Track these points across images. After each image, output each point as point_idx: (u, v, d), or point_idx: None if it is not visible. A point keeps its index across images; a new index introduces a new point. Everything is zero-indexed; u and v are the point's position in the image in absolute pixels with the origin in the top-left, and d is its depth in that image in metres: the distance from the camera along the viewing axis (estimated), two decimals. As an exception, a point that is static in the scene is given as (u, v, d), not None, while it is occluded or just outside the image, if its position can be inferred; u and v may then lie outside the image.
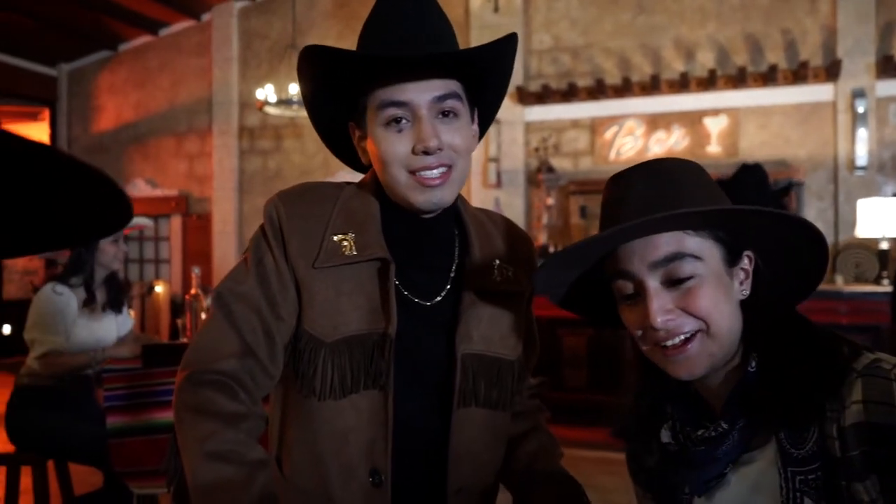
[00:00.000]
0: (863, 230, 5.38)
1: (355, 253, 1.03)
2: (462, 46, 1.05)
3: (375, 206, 1.09)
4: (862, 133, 6.07)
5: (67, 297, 2.73)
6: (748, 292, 0.90)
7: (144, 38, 8.80)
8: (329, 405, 1.01)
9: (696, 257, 0.85)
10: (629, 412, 0.97)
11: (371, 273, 1.05)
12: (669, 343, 0.85)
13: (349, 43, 5.65)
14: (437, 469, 1.05)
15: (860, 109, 6.06)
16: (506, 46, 1.05)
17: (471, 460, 1.07)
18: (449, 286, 1.09)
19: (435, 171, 1.01)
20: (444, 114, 1.02)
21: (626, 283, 0.88)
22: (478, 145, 1.15)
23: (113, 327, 2.92)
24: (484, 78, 1.08)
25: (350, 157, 1.18)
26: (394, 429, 1.02)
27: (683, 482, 0.89)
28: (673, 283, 0.85)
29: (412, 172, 1.02)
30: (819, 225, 5.53)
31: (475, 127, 1.11)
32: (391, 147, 1.02)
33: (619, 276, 0.88)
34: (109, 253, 2.87)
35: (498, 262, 1.12)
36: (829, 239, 6.24)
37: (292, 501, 0.97)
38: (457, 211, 1.13)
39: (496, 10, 7.12)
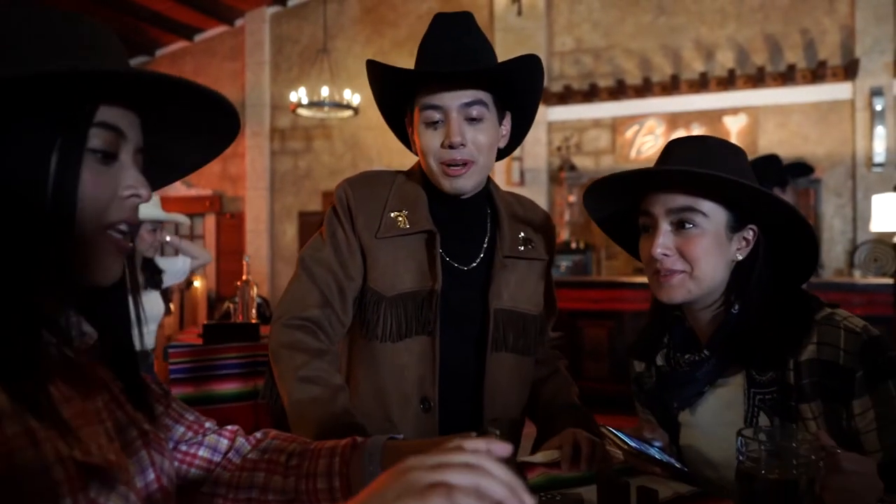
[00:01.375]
0: (878, 225, 5.50)
1: (408, 226, 1.29)
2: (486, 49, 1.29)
3: (422, 189, 1.33)
4: (880, 130, 6.17)
5: None
6: (742, 257, 1.12)
7: (180, 44, 9.14)
8: (388, 347, 1.26)
9: (704, 214, 1.08)
10: (639, 336, 1.22)
11: (420, 243, 1.30)
12: (661, 273, 1.09)
13: (377, 46, 5.93)
14: (475, 402, 1.30)
15: (878, 107, 6.16)
16: (521, 65, 1.27)
17: (502, 396, 1.31)
18: (482, 254, 1.34)
19: (458, 164, 1.26)
20: (471, 117, 1.26)
21: (647, 220, 1.12)
22: (515, 146, 1.38)
23: (159, 302, 3.22)
24: (511, 89, 1.31)
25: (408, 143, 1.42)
26: (440, 367, 1.26)
27: (672, 398, 1.12)
28: (679, 229, 1.09)
29: (442, 163, 1.26)
30: (837, 221, 5.63)
31: (504, 129, 1.34)
32: (428, 141, 1.27)
33: (644, 214, 1.13)
34: (147, 240, 3.15)
35: (523, 234, 1.36)
36: (848, 235, 6.36)
37: (359, 425, 1.21)
38: (489, 193, 1.38)
39: (519, 13, 7.32)
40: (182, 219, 3.61)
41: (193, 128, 0.77)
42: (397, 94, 1.31)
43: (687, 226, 1.07)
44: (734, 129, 6.81)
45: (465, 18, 1.29)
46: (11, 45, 0.65)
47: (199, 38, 9.08)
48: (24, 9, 0.68)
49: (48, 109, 0.64)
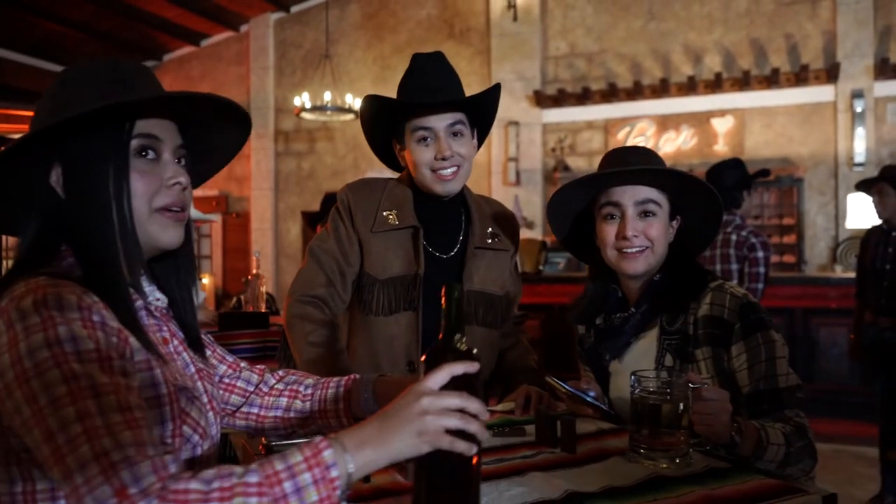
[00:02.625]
0: (852, 222, 5.77)
1: (397, 223, 1.58)
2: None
3: (409, 192, 1.63)
4: (860, 131, 6.41)
5: None
6: (672, 240, 1.42)
7: (187, 49, 9.41)
8: (381, 320, 1.55)
9: (659, 205, 1.38)
10: (582, 304, 1.51)
11: (407, 236, 1.59)
12: (628, 251, 1.37)
13: (377, 51, 6.30)
14: None
15: (859, 109, 6.40)
16: (492, 94, 1.58)
17: None
18: (458, 245, 1.63)
19: (448, 171, 1.55)
20: (454, 134, 1.56)
21: (615, 210, 1.39)
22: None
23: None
24: (479, 110, 1.61)
25: (388, 161, 1.72)
26: (422, 336, 1.56)
27: (605, 350, 1.41)
28: (641, 216, 1.38)
29: (434, 171, 1.55)
30: (820, 219, 5.89)
31: (475, 141, 1.64)
32: (422, 156, 1.56)
33: (611, 205, 1.40)
34: None
35: (490, 230, 1.65)
36: (831, 232, 6.62)
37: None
38: (463, 196, 1.67)
39: (515, 19, 7.59)
40: (214, 218, 3.87)
41: (217, 125, 1.02)
42: (389, 120, 1.60)
43: (649, 213, 1.38)
44: (721, 130, 7.07)
45: (439, 58, 1.59)
46: (75, 93, 0.91)
47: (205, 43, 9.35)
48: (83, 65, 0.95)
49: (103, 132, 0.90)
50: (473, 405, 0.80)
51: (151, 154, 0.93)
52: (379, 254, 1.57)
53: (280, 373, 1.22)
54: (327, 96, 6.78)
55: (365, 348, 1.58)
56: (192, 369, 1.01)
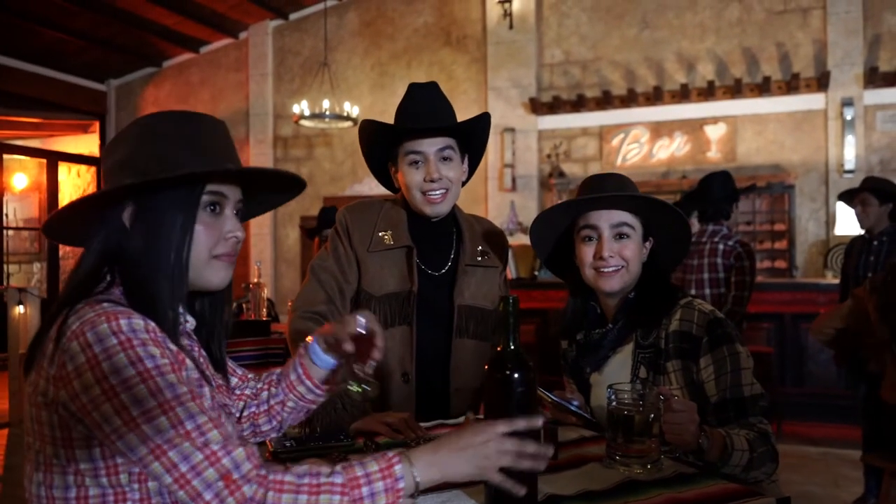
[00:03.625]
0: (841, 228, 5.87)
1: (392, 243, 1.68)
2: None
3: (404, 214, 1.73)
4: (850, 139, 6.52)
5: None
6: (645, 260, 1.52)
7: (186, 56, 9.48)
8: None
9: (633, 227, 1.50)
10: (564, 320, 1.61)
11: (402, 255, 1.69)
12: (605, 270, 1.47)
13: (375, 58, 6.46)
14: (443, 376, 1.68)
15: (848, 117, 6.51)
16: (479, 122, 1.68)
17: (464, 372, 1.70)
18: (450, 263, 1.73)
19: (437, 194, 1.65)
20: (444, 158, 1.66)
21: (592, 232, 1.50)
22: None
23: None
24: (468, 137, 1.71)
25: (386, 182, 1.81)
26: (416, 349, 1.65)
27: (586, 364, 1.51)
28: (617, 238, 1.48)
29: (423, 193, 1.66)
30: (812, 225, 6.00)
31: (465, 166, 1.74)
32: (412, 178, 1.66)
33: (589, 228, 1.50)
34: None
35: (480, 248, 1.75)
36: (821, 238, 6.72)
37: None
38: (454, 216, 1.77)
39: (511, 27, 7.69)
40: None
41: (274, 183, 1.15)
42: (385, 144, 1.71)
43: (624, 235, 1.48)
44: (714, 137, 7.18)
45: (433, 87, 1.69)
46: (154, 145, 1.01)
47: (204, 50, 9.42)
48: (161, 117, 1.04)
49: (178, 186, 1.00)
50: (529, 448, 0.95)
51: (217, 209, 1.04)
52: (375, 272, 1.67)
53: (263, 375, 1.32)
54: (325, 104, 6.87)
55: None
56: (214, 384, 1.10)
